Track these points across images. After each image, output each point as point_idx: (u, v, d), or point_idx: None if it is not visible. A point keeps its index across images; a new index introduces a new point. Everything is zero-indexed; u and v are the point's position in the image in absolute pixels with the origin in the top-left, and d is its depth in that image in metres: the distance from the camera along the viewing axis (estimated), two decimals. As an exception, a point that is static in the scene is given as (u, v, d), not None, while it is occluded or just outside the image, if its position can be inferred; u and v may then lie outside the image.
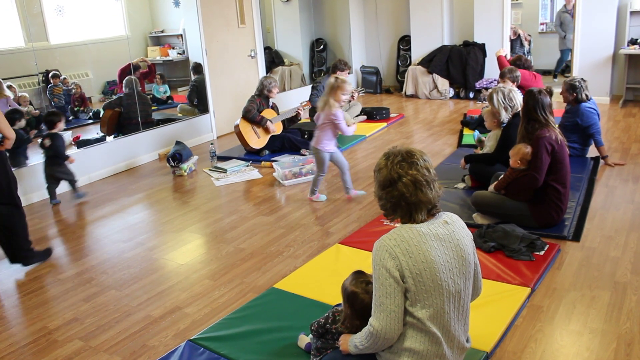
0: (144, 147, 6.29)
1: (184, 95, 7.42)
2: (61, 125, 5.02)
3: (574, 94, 5.02)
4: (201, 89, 7.05)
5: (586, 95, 5.03)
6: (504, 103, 4.45)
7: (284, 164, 5.30)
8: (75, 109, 6.31)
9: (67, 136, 5.81)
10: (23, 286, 3.50)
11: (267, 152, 6.03)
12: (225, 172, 5.54)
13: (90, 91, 6.52)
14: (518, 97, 4.37)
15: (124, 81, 6.37)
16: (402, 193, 1.96)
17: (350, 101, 7.29)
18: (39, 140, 5.01)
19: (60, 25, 5.99)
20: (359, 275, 2.28)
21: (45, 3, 5.74)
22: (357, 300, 2.20)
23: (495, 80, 6.59)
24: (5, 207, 3.60)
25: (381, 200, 2.05)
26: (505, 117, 4.50)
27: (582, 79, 5.10)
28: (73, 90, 6.25)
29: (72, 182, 5.11)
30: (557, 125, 3.80)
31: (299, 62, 9.66)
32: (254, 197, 4.88)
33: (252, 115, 5.93)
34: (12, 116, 4.98)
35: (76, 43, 6.29)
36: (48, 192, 5.05)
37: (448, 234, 2.00)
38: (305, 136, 6.19)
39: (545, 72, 10.38)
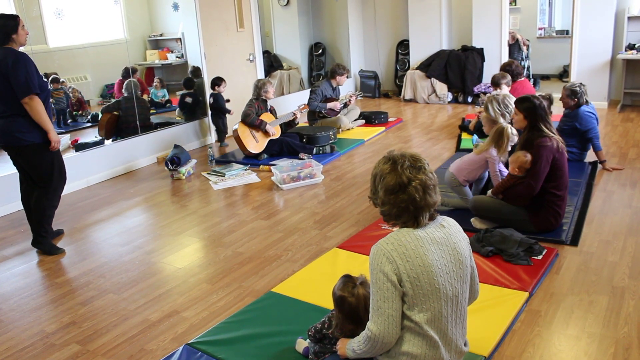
0: (142, 150, 6.29)
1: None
2: (220, 88, 6.80)
3: (575, 99, 5.04)
4: (200, 92, 7.05)
5: (586, 100, 5.06)
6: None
7: (282, 168, 5.30)
8: (74, 112, 6.30)
9: (65, 139, 5.81)
10: (20, 289, 3.49)
11: (265, 155, 6.03)
12: (224, 176, 5.54)
13: (88, 94, 6.52)
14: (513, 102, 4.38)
15: (123, 85, 6.38)
16: (412, 197, 1.96)
17: (348, 105, 7.32)
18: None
19: (59, 29, 6.00)
20: (347, 279, 2.30)
21: (45, 6, 5.75)
22: (345, 303, 2.22)
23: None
24: (40, 190, 3.94)
25: (386, 206, 2.03)
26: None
27: (581, 83, 5.13)
28: (71, 94, 6.24)
29: (222, 133, 6.99)
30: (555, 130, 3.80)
31: (298, 66, 9.68)
32: (252, 201, 4.88)
33: (252, 119, 5.93)
34: (216, 81, 6.77)
35: (75, 46, 6.30)
36: (217, 136, 7.09)
37: (445, 237, 2.00)
38: (304, 140, 6.19)
39: (543, 77, 10.42)
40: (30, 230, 4.07)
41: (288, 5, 9.47)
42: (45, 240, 4.02)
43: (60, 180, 4.00)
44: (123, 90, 6.38)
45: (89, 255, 3.96)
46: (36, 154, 3.82)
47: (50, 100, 4.06)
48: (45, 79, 3.94)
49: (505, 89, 5.75)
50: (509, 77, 5.77)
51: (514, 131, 4.07)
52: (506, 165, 4.02)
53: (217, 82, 6.77)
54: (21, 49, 3.76)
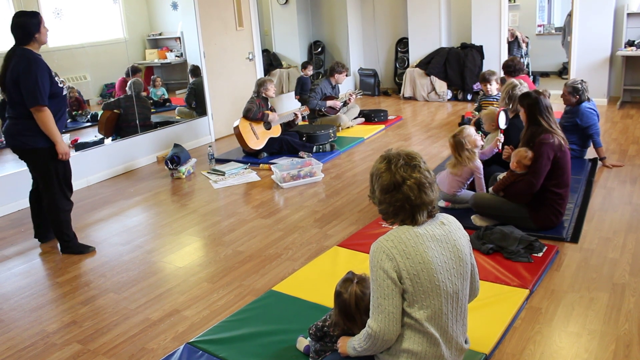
0: (142, 149, 6.29)
1: (182, 97, 7.42)
2: (307, 71, 8.12)
3: (577, 96, 5.04)
4: (199, 91, 7.05)
5: (587, 96, 5.06)
6: (507, 98, 4.54)
7: (282, 166, 5.30)
8: (73, 112, 6.30)
9: (65, 139, 5.80)
10: (21, 289, 3.50)
11: (265, 154, 6.03)
12: (224, 175, 5.54)
13: (88, 94, 6.51)
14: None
15: (128, 83, 6.37)
16: (407, 196, 1.96)
17: (347, 103, 7.31)
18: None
19: (58, 28, 5.99)
20: (348, 275, 2.32)
21: (43, 6, 5.74)
22: (340, 299, 2.24)
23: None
24: (47, 196, 3.87)
25: (382, 205, 2.04)
26: (500, 105, 4.63)
27: (582, 80, 5.13)
28: (69, 94, 6.24)
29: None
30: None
31: (297, 64, 9.67)
32: (252, 200, 4.88)
33: (254, 112, 5.93)
34: (304, 64, 8.11)
35: (74, 46, 6.29)
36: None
37: (445, 234, 2.00)
38: (304, 138, 6.19)
39: (542, 74, 10.41)
40: (55, 236, 4.04)
41: (287, 3, 9.46)
42: (71, 244, 3.96)
43: (66, 186, 3.91)
44: (127, 88, 6.37)
45: (89, 255, 3.96)
46: (40, 158, 3.76)
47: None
48: (62, 84, 3.79)
49: (494, 85, 5.87)
50: (497, 74, 5.92)
51: (472, 131, 4.07)
52: (503, 164, 4.02)
53: (305, 65, 8.18)
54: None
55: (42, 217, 4.12)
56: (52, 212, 3.91)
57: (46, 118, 3.63)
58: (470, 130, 4.11)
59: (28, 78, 3.54)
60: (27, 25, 3.60)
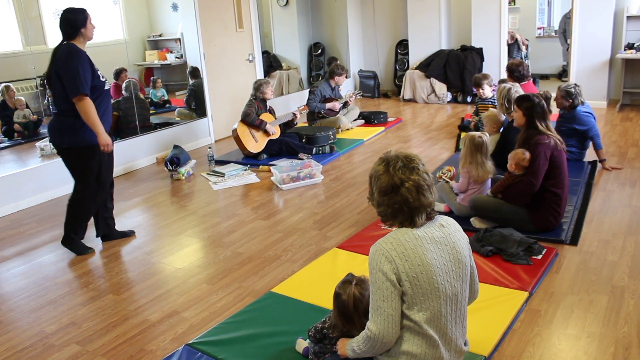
0: (141, 151, 6.29)
1: (182, 99, 7.42)
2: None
3: (569, 100, 5.04)
4: (199, 93, 7.05)
5: (581, 100, 5.06)
6: (506, 103, 4.54)
7: (281, 168, 5.30)
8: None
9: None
10: (20, 290, 3.49)
11: (265, 156, 6.03)
12: (223, 176, 5.54)
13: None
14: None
15: (122, 84, 6.37)
16: (405, 198, 1.96)
17: (347, 105, 7.32)
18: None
19: (58, 29, 5.99)
20: (348, 277, 2.32)
21: (44, 6, 5.74)
22: (338, 300, 2.25)
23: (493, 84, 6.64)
24: (74, 193, 3.88)
25: (381, 207, 2.04)
26: (500, 111, 4.63)
27: (575, 84, 5.13)
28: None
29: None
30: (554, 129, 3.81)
31: (297, 66, 9.68)
32: (252, 201, 4.88)
33: (252, 119, 5.93)
34: (330, 61, 8.62)
35: (74, 47, 6.29)
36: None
37: (444, 236, 2.00)
38: (303, 140, 6.19)
39: (542, 77, 10.43)
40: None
41: (287, 5, 9.47)
42: (75, 241, 3.97)
43: (97, 189, 3.87)
44: (122, 90, 6.37)
45: (88, 255, 3.96)
46: (75, 158, 3.78)
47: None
48: (104, 79, 3.80)
49: (487, 88, 5.92)
50: (490, 78, 6.00)
51: (485, 138, 4.04)
52: (503, 166, 4.02)
53: (331, 61, 8.63)
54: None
55: (102, 213, 4.08)
56: (72, 207, 3.89)
57: (88, 107, 3.60)
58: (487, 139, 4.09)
59: (69, 68, 3.55)
60: (74, 20, 3.64)
